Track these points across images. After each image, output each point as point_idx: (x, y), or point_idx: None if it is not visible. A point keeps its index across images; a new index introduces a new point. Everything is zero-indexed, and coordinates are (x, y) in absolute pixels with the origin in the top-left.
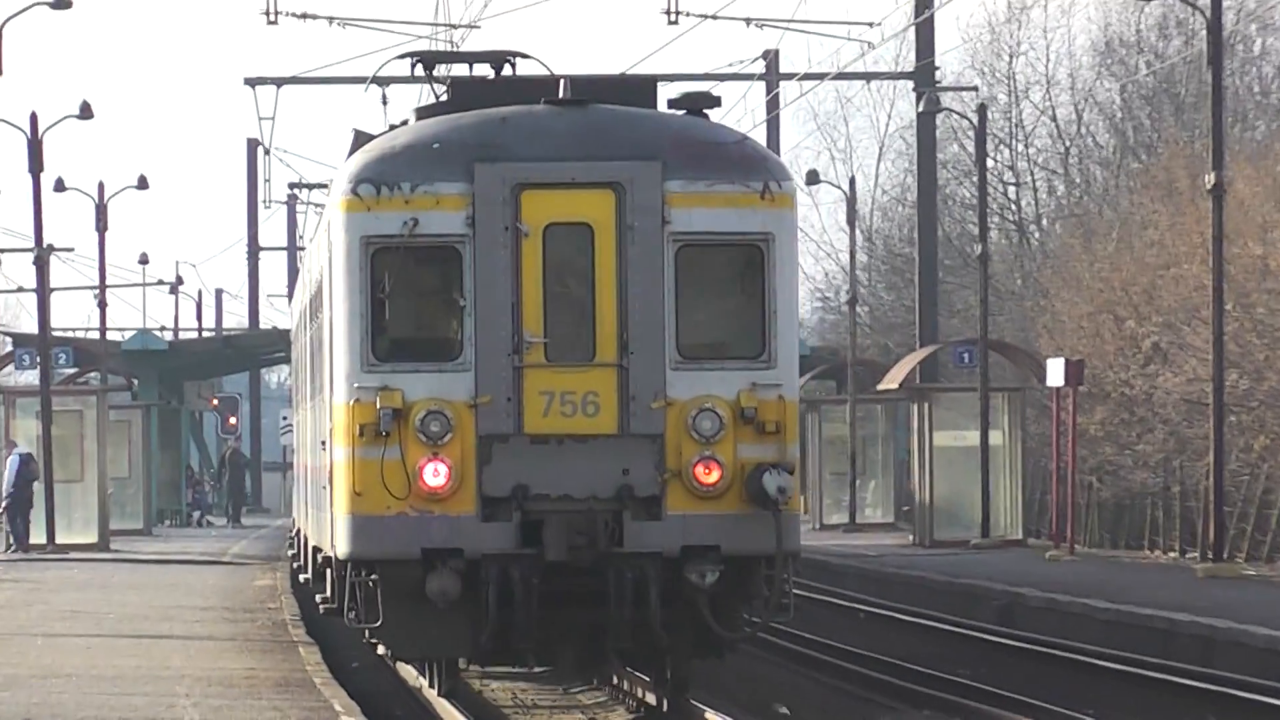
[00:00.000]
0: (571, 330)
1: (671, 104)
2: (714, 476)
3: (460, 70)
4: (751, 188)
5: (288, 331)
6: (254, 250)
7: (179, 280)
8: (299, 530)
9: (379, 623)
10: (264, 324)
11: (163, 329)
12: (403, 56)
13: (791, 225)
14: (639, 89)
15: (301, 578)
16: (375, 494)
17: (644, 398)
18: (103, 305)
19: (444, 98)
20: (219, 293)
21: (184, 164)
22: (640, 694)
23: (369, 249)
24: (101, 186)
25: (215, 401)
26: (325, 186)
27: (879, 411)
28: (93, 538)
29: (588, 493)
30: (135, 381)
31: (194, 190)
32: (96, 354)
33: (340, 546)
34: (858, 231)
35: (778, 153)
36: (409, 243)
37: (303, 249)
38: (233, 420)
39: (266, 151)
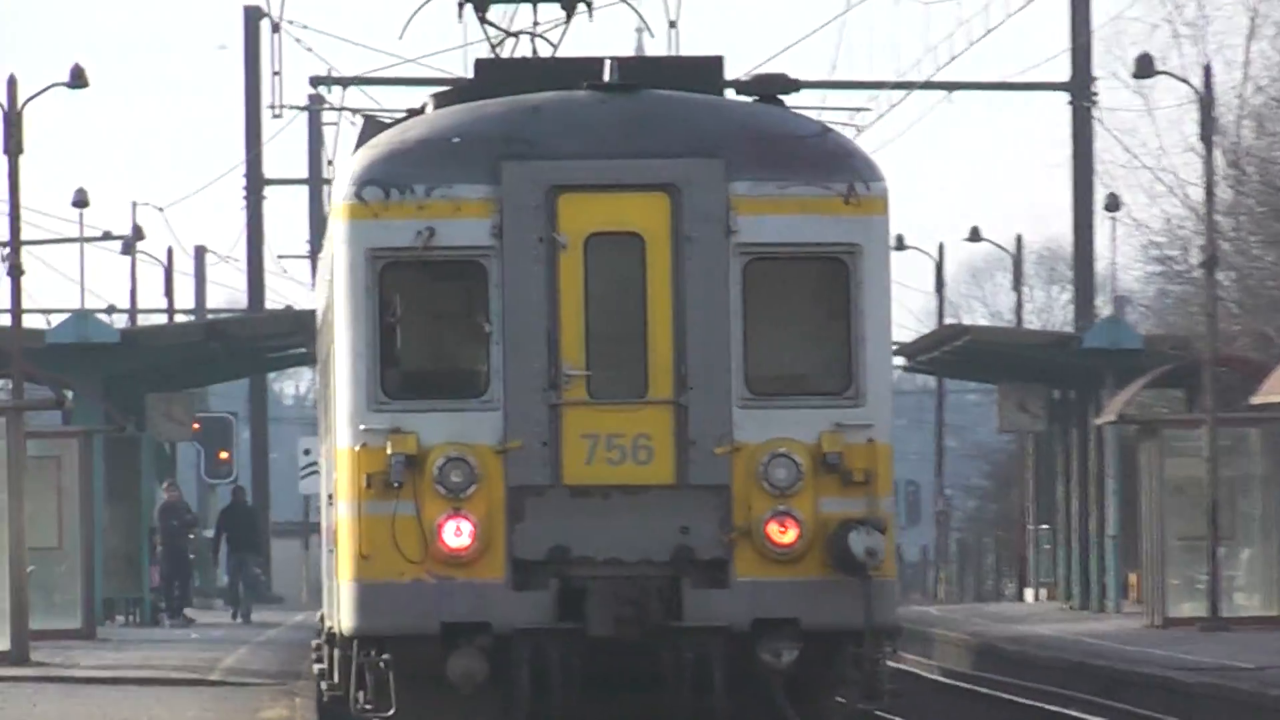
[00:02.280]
0: (619, 361)
1: (739, 89)
2: (791, 536)
3: (524, 12)
4: (833, 190)
5: (311, 314)
6: (254, 186)
7: (136, 233)
8: (328, 627)
9: (391, 712)
10: (272, 302)
11: (112, 310)
12: None
13: (883, 234)
14: (701, 71)
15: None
16: (386, 557)
17: (706, 442)
18: (15, 272)
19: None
20: (200, 253)
21: (144, 50)
22: None
23: (376, 264)
24: (13, 82)
25: (197, 425)
26: (370, 83)
27: (1253, 439)
28: (3, 644)
29: (639, 555)
30: (69, 393)
31: (158, 91)
32: (4, 350)
33: (345, 620)
34: (1216, 152)
35: (1085, 23)
36: (424, 257)
37: (331, 184)
38: (224, 455)
39: (275, 27)
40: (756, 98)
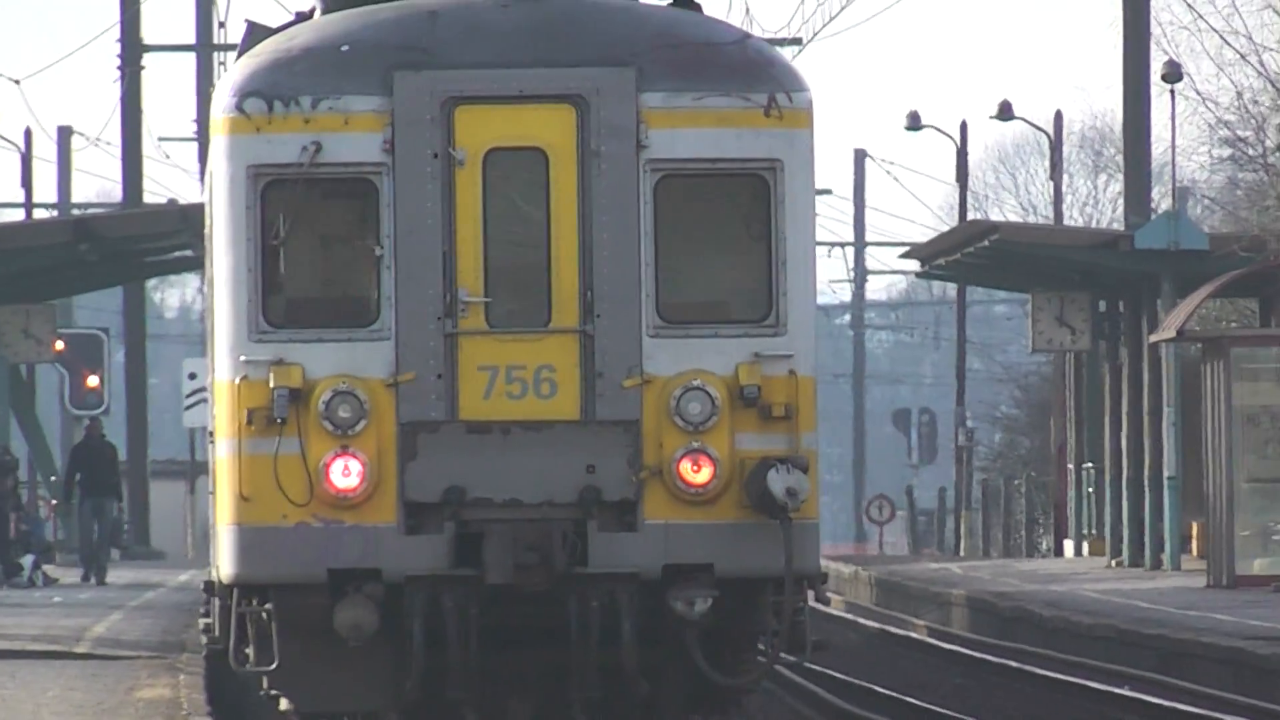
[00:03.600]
0: (520, 287)
1: None
2: (705, 475)
3: None
4: (753, 101)
5: (200, 209)
6: (131, 54)
7: None
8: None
9: (274, 665)
10: (153, 194)
11: None
12: None
13: (806, 149)
14: None
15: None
16: (268, 499)
17: (614, 374)
18: None
19: None
20: (65, 134)
21: None
22: None
23: (259, 182)
24: None
25: (60, 344)
26: None
27: None
28: None
29: (542, 497)
30: None
31: None
32: None
33: (225, 567)
34: None
35: None
36: (310, 174)
37: (228, 50)
38: (93, 380)
39: None
40: (672, 3)
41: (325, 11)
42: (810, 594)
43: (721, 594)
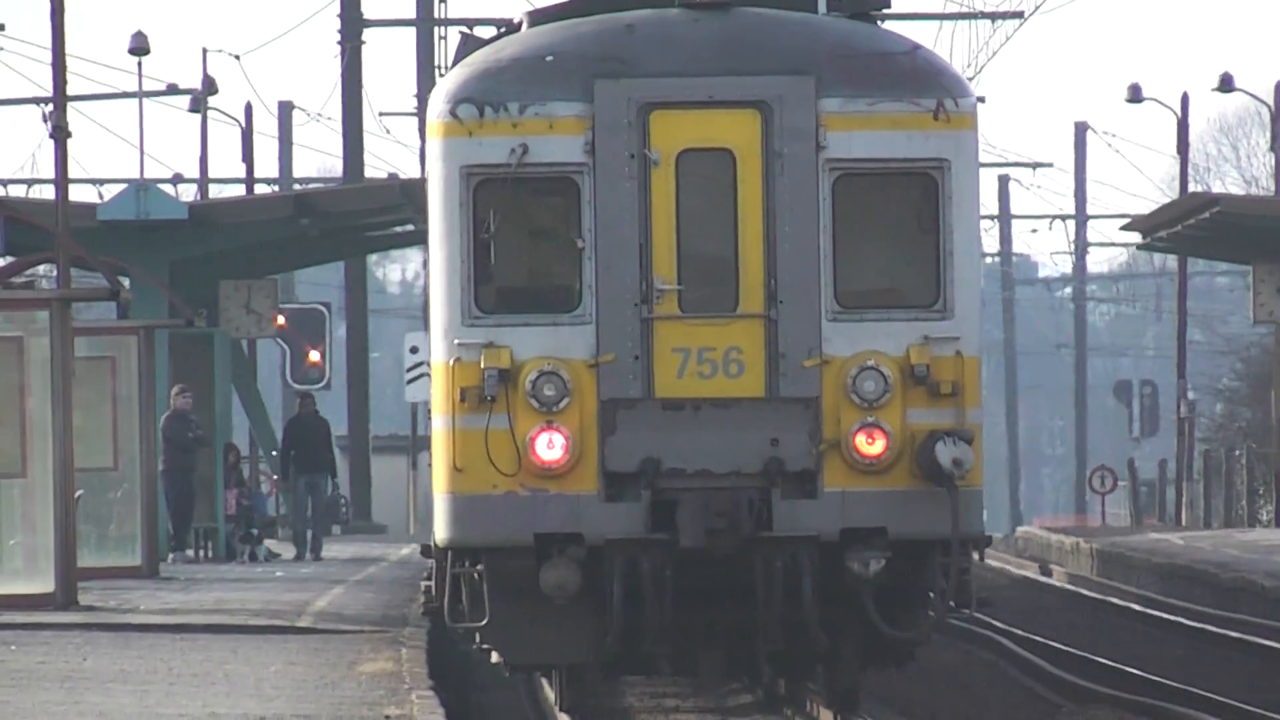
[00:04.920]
0: (710, 276)
1: (831, 6)
2: (878, 447)
3: None
4: (923, 106)
5: (420, 184)
6: (351, 29)
7: (208, 87)
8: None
9: (485, 622)
10: (373, 169)
11: (178, 180)
12: None
13: (971, 149)
14: None
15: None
16: (480, 470)
17: (796, 355)
18: (59, 133)
19: None
20: (286, 110)
21: None
22: (811, 708)
23: (471, 181)
24: None
25: (282, 320)
26: None
27: None
28: (46, 585)
29: (730, 467)
30: (125, 281)
31: None
32: (46, 229)
33: (440, 531)
34: None
35: None
36: (518, 173)
37: (449, 25)
38: (315, 355)
39: None
40: (849, 15)
41: (531, 25)
42: (975, 554)
43: (894, 555)
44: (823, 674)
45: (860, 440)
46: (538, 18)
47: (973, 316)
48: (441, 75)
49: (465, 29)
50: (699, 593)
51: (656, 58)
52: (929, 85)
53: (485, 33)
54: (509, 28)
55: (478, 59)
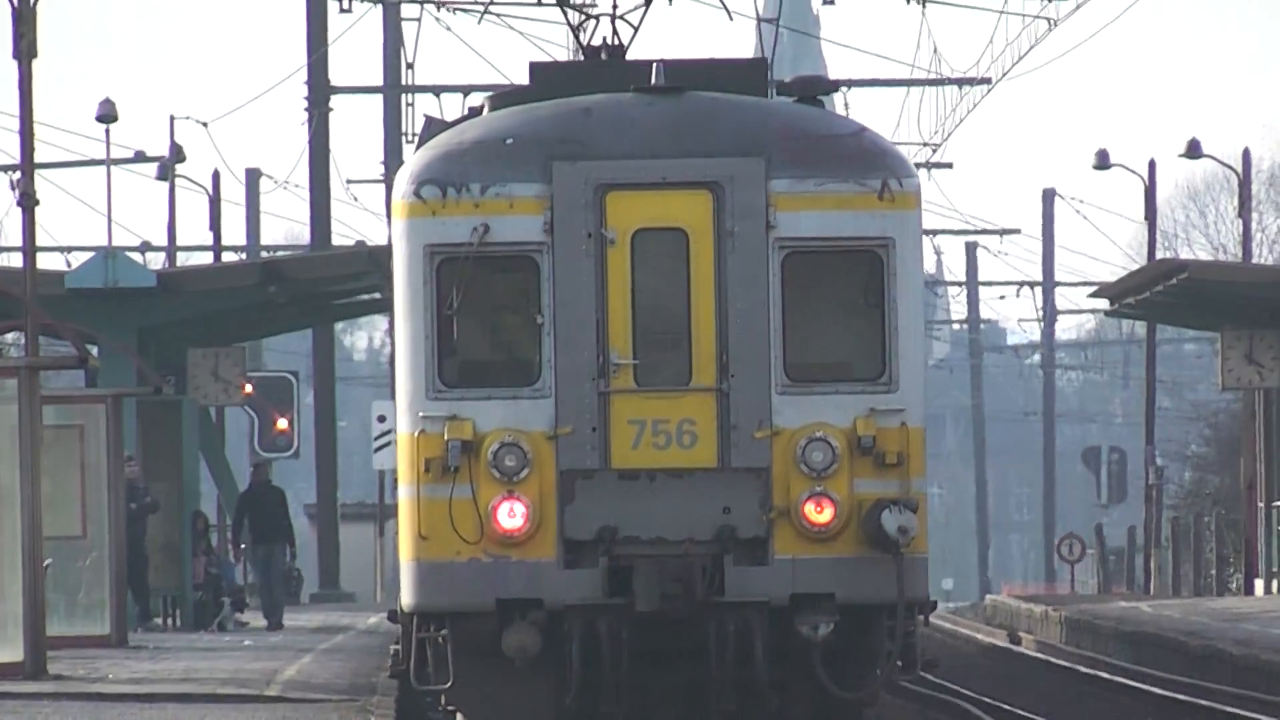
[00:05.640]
0: (664, 351)
1: (780, 89)
2: (827, 515)
3: None
4: (868, 186)
5: (387, 251)
6: (319, 96)
7: (175, 154)
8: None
9: (450, 684)
10: (341, 236)
11: (146, 248)
12: None
13: (915, 229)
14: (745, 74)
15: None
16: (444, 537)
17: (747, 426)
18: (26, 201)
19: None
20: (253, 177)
21: None
22: None
23: (434, 259)
24: None
25: (249, 388)
26: None
27: None
28: (14, 655)
29: (684, 535)
30: (94, 349)
31: None
32: (14, 296)
33: (406, 596)
34: None
35: None
36: (480, 252)
37: (416, 92)
38: (282, 423)
39: None
40: (797, 99)
41: (492, 109)
42: (920, 618)
43: (842, 619)
44: None
45: (809, 509)
46: (498, 102)
47: (917, 389)
48: (409, 142)
49: (427, 114)
50: (654, 655)
51: (612, 140)
52: (874, 166)
53: (452, 100)
54: (471, 111)
55: (441, 141)
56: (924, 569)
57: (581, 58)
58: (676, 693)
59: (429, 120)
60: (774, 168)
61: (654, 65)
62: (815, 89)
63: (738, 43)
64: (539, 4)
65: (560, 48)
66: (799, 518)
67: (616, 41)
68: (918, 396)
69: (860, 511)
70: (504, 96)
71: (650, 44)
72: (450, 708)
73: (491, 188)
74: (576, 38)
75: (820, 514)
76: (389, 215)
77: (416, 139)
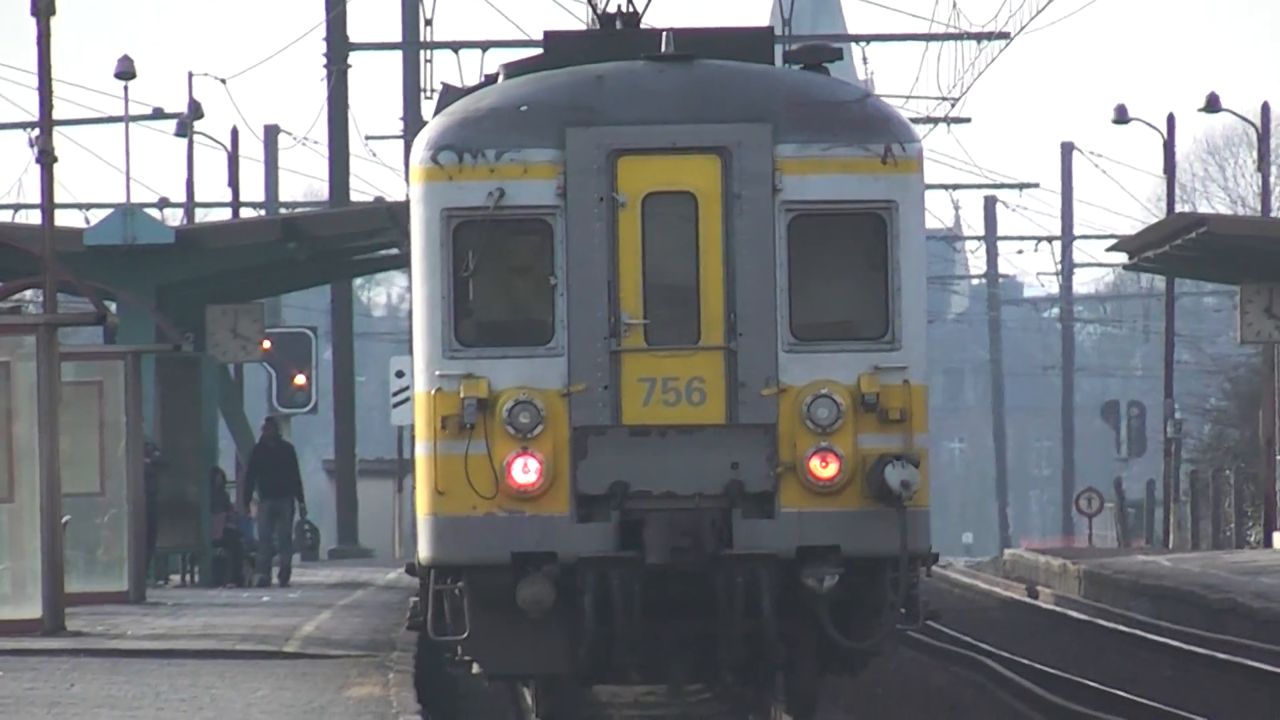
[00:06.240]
0: (674, 310)
1: (787, 57)
2: (832, 470)
3: None
4: (872, 151)
5: (406, 207)
6: (337, 53)
7: (194, 111)
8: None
9: (465, 635)
10: (359, 193)
11: (165, 204)
12: None
13: (917, 191)
14: (753, 42)
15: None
16: (460, 493)
17: (754, 384)
18: (45, 158)
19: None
20: (272, 134)
21: None
22: (774, 713)
23: (451, 223)
24: None
25: (268, 343)
26: None
27: None
28: (33, 611)
29: (693, 489)
30: (112, 305)
31: None
32: (33, 253)
33: (423, 550)
34: None
35: None
36: (495, 215)
37: (434, 49)
38: (301, 379)
39: None
40: (803, 66)
41: (507, 77)
42: (922, 570)
43: (847, 571)
44: (782, 682)
45: (815, 464)
46: (513, 70)
47: (919, 347)
48: (428, 98)
49: (445, 82)
50: (665, 606)
51: (624, 107)
52: (878, 132)
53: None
54: (488, 79)
55: (458, 109)
56: (926, 522)
57: (597, 25)
58: (687, 643)
59: (446, 88)
60: (780, 133)
61: (664, 34)
62: (821, 56)
63: (756, 2)
64: None
65: (579, 6)
66: (805, 473)
67: (631, 8)
68: (920, 355)
69: (864, 466)
70: (519, 65)
71: (666, 11)
72: (466, 658)
73: (507, 153)
74: (592, 4)
75: (825, 469)
76: (407, 178)
77: (434, 105)
